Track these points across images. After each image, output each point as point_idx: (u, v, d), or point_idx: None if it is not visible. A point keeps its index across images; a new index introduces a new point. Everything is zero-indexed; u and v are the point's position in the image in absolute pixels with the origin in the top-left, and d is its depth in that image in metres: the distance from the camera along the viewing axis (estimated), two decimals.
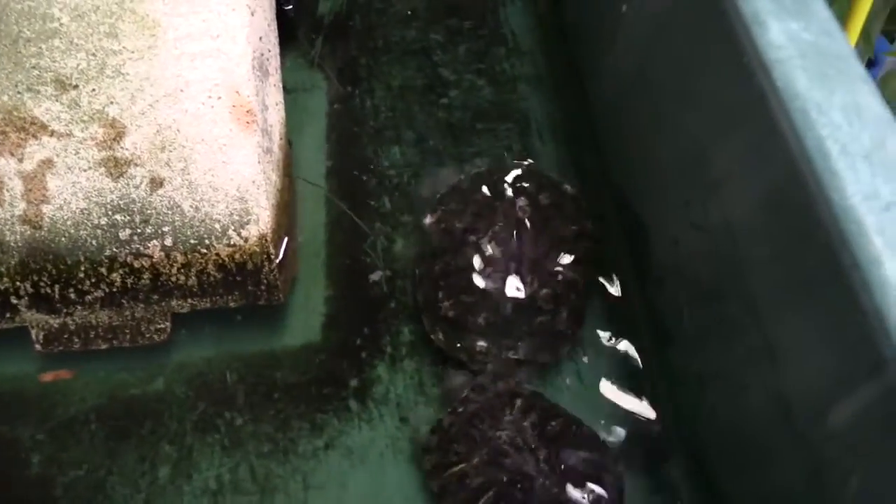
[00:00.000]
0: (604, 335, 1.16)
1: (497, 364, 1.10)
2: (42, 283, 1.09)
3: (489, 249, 1.14)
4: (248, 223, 1.09)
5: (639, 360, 1.13)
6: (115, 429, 1.11)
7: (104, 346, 1.14)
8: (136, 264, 1.09)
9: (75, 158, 1.10)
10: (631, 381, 1.12)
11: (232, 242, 1.09)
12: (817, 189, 0.71)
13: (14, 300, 1.10)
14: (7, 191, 1.08)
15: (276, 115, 1.22)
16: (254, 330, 1.18)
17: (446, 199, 1.24)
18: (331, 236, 1.27)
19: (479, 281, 1.12)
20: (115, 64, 1.13)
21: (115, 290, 1.11)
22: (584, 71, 1.41)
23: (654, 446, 1.07)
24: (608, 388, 1.12)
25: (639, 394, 1.11)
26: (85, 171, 1.09)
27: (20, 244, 1.07)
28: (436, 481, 1.02)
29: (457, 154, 1.35)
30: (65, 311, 1.12)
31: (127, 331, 1.14)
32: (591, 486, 0.99)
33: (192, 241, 1.08)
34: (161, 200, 1.09)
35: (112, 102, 1.12)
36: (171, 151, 1.10)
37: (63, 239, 1.07)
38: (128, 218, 1.08)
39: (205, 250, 1.09)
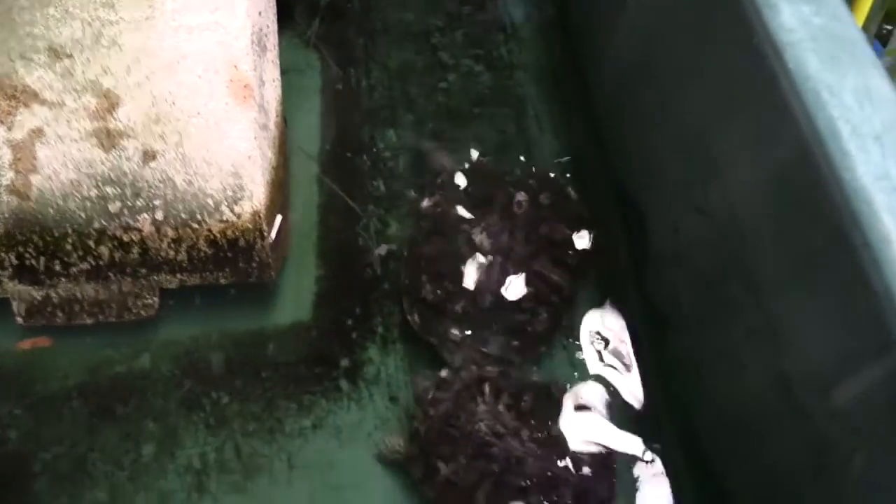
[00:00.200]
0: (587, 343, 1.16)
1: (466, 355, 1.08)
2: (27, 255, 1.07)
3: (480, 240, 1.13)
4: (241, 199, 1.07)
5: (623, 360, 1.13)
6: (98, 405, 1.09)
7: (89, 321, 1.11)
8: (125, 238, 1.07)
9: (66, 128, 1.08)
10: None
11: (224, 218, 1.07)
12: (828, 169, 0.71)
13: None
14: None
15: (272, 92, 1.21)
16: (243, 308, 1.16)
17: (447, 184, 1.23)
18: (324, 216, 1.26)
19: (464, 270, 1.11)
20: (111, 34, 1.11)
21: (102, 263, 1.09)
22: (584, 58, 1.40)
23: None
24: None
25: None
26: (76, 141, 1.07)
27: (6, 214, 1.05)
28: (429, 489, 1.00)
29: (454, 138, 1.34)
30: (49, 283, 1.10)
31: (113, 305, 1.12)
32: (581, 448, 1.00)
33: (183, 216, 1.06)
34: (153, 173, 1.07)
35: (107, 73, 1.10)
36: (165, 124, 1.08)
37: (51, 210, 1.05)
38: (118, 190, 1.06)
39: (196, 225, 1.07)
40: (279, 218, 1.15)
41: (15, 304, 1.10)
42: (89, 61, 1.10)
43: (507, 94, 1.41)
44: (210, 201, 1.07)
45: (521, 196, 1.17)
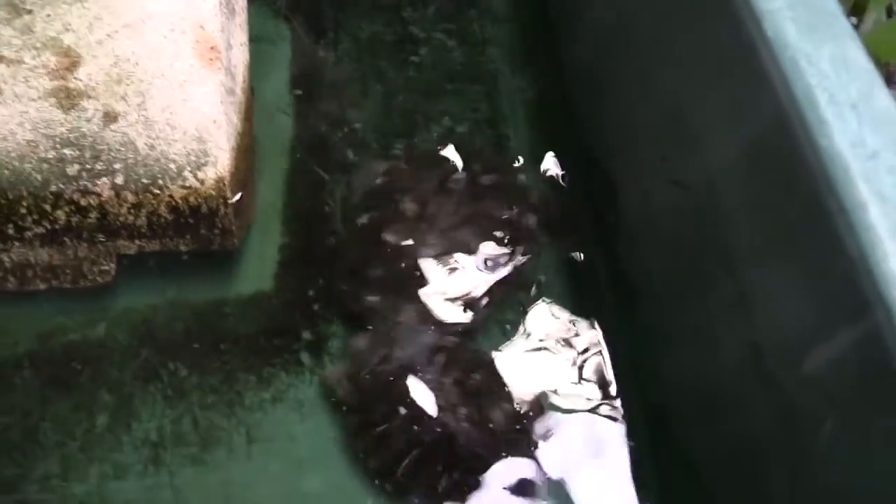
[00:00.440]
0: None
1: (380, 322, 1.07)
2: None
3: (405, 207, 1.13)
4: (205, 164, 1.04)
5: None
6: (50, 375, 1.05)
7: (42, 287, 1.08)
8: (83, 202, 1.03)
9: (24, 87, 1.04)
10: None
11: (187, 184, 1.04)
12: (805, 137, 0.71)
13: None
14: None
15: (240, 56, 1.18)
16: (204, 276, 1.13)
17: (406, 155, 1.24)
18: (290, 185, 1.23)
19: (386, 236, 1.11)
20: None
21: (58, 227, 1.05)
22: (559, 30, 1.40)
23: None
24: None
25: None
26: (34, 100, 1.04)
27: None
28: (360, 442, 1.00)
29: (424, 112, 1.33)
30: (1, 247, 1.05)
31: (68, 271, 1.08)
32: (519, 437, 1.00)
33: (144, 181, 1.03)
34: (114, 136, 1.03)
35: (68, 30, 1.06)
36: (127, 85, 1.05)
37: (6, 171, 1.01)
38: (77, 153, 1.03)
39: (157, 191, 1.04)
40: (244, 185, 1.13)
41: None
42: (50, 17, 1.07)
43: (479, 70, 1.40)
44: (173, 166, 1.04)
45: (459, 174, 1.17)
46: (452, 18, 1.46)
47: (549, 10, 1.45)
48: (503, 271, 1.13)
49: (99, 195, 1.03)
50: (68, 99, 1.05)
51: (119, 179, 1.03)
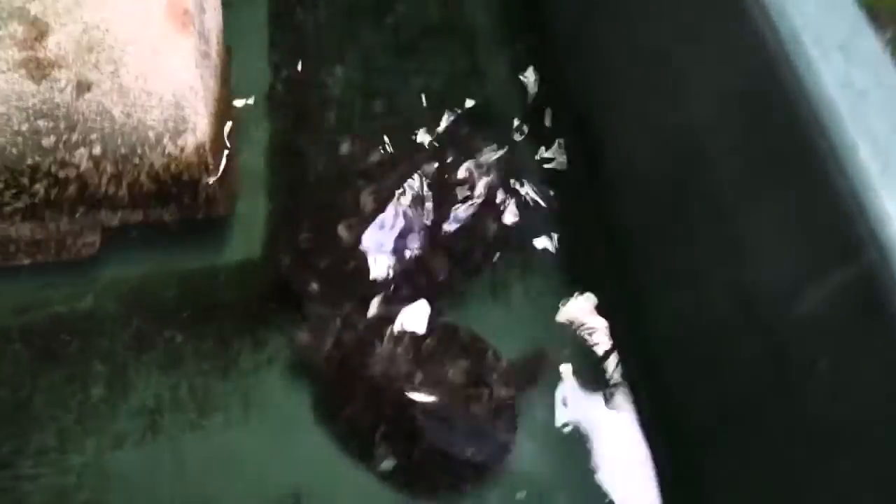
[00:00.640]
0: None
1: (321, 312, 1.06)
2: None
3: (364, 202, 1.09)
4: (184, 131, 1.03)
5: None
6: (40, 348, 1.05)
7: (26, 261, 1.07)
8: (62, 174, 1.02)
9: None
10: None
11: (167, 152, 1.03)
12: (792, 79, 0.71)
13: None
14: None
15: (213, 19, 1.16)
16: (192, 245, 1.12)
17: (375, 135, 1.20)
18: (272, 151, 1.22)
19: (339, 228, 1.07)
20: None
21: (37, 201, 1.03)
22: None
23: None
24: None
25: None
26: (3, 73, 1.01)
27: None
28: (336, 425, 1.01)
29: (403, 71, 1.31)
30: None
31: (51, 245, 1.07)
32: (478, 390, 1.00)
33: (122, 151, 1.02)
34: (88, 106, 1.01)
35: None
36: (99, 53, 1.03)
37: None
38: (52, 124, 1.01)
39: (137, 160, 1.02)
40: (226, 151, 1.11)
41: None
42: None
43: (456, 26, 1.38)
44: (151, 134, 1.02)
45: (429, 167, 1.12)
46: None
47: None
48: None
49: (77, 167, 1.01)
50: (39, 69, 1.02)
51: (97, 150, 1.01)
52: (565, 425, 1.04)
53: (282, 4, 1.38)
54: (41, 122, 1.01)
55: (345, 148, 1.19)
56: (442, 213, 1.10)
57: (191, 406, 1.02)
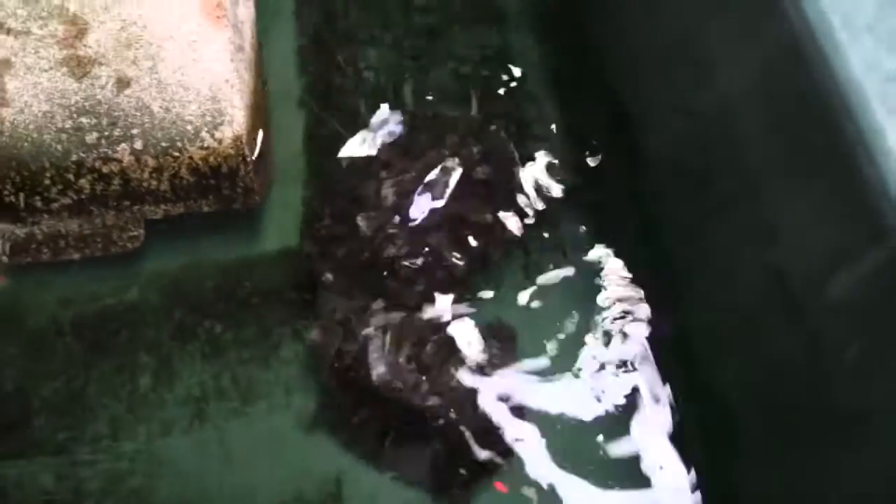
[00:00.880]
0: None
1: (334, 302, 1.07)
2: (6, 192, 1.05)
3: (385, 193, 1.10)
4: (221, 124, 1.05)
5: None
6: (90, 340, 1.09)
7: (76, 256, 1.10)
8: (105, 169, 1.05)
9: (35, 58, 1.05)
10: None
11: (205, 144, 1.05)
12: (820, 61, 0.70)
13: None
14: None
15: (246, 12, 1.17)
16: (230, 235, 1.15)
17: (406, 129, 1.20)
18: (306, 139, 1.24)
19: (358, 219, 1.08)
20: None
21: (83, 196, 1.07)
22: None
23: None
24: None
25: None
26: (46, 71, 1.04)
27: None
28: (344, 434, 1.02)
29: (432, 54, 1.31)
30: (31, 220, 1.08)
31: (98, 239, 1.10)
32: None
33: (163, 144, 1.04)
34: (129, 101, 1.04)
35: None
36: (137, 49, 1.06)
37: (26, 144, 1.03)
38: (94, 120, 1.03)
39: (177, 153, 1.05)
40: (261, 141, 1.13)
41: (0, 243, 1.09)
42: None
43: (487, 8, 1.37)
44: (189, 128, 1.04)
45: (450, 163, 1.12)
46: None
47: None
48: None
49: (120, 161, 1.04)
50: (80, 67, 1.05)
51: (138, 144, 1.04)
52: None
53: None
54: (84, 119, 1.04)
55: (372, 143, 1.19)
56: (462, 209, 1.10)
57: (234, 394, 1.05)
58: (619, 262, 1.13)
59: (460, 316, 1.08)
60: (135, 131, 1.04)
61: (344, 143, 1.22)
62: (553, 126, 1.25)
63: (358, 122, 1.24)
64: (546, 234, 1.16)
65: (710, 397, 0.98)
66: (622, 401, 1.05)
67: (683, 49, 0.95)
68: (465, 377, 1.02)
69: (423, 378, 1.00)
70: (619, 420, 1.05)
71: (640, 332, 1.08)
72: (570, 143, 1.23)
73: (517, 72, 1.30)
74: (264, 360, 1.07)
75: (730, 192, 0.88)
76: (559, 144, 1.23)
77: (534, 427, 1.03)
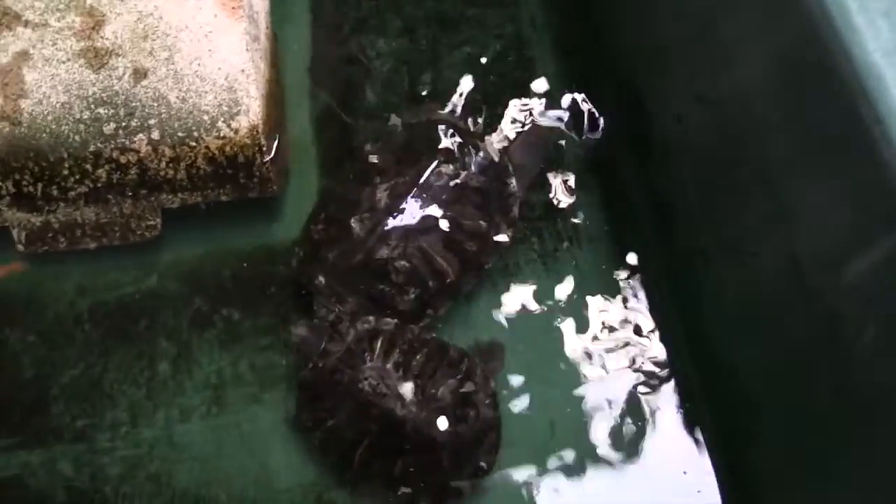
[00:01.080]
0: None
1: (327, 305, 1.06)
2: (24, 182, 1.05)
3: (380, 196, 1.08)
4: (237, 114, 1.06)
5: None
6: (109, 327, 1.10)
7: (92, 245, 1.11)
8: (123, 159, 1.05)
9: (53, 49, 1.05)
10: None
11: (222, 134, 1.06)
12: (837, 46, 0.71)
13: None
14: None
15: (261, 2, 1.18)
16: (247, 224, 1.16)
17: (395, 134, 1.19)
18: (321, 129, 1.24)
19: (352, 222, 1.07)
20: None
21: (100, 186, 1.07)
22: None
23: None
24: None
25: None
26: (64, 62, 1.05)
27: None
28: (315, 436, 1.01)
29: (446, 43, 1.32)
30: (47, 209, 1.09)
31: (116, 228, 1.11)
32: (465, 410, 0.99)
33: (180, 134, 1.05)
34: (146, 92, 1.05)
35: None
36: (153, 40, 1.06)
37: (44, 135, 1.03)
38: (111, 111, 1.04)
39: (194, 143, 1.05)
40: (277, 132, 1.14)
41: (15, 232, 1.09)
42: None
43: None
44: (206, 118, 1.05)
45: (445, 168, 1.10)
46: None
47: None
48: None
49: (137, 151, 1.05)
50: (97, 58, 1.06)
51: (155, 135, 1.05)
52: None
53: None
54: (101, 110, 1.04)
55: (367, 147, 1.18)
56: (455, 214, 1.09)
57: (252, 380, 1.07)
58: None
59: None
60: (152, 121, 1.04)
61: (355, 132, 1.24)
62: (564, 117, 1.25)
63: (369, 112, 1.26)
64: (545, 240, 1.18)
65: (728, 381, 0.99)
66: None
67: (701, 36, 0.95)
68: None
69: (409, 387, 0.98)
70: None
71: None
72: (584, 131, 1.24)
73: (530, 59, 1.31)
74: (281, 347, 1.08)
75: (746, 178, 0.88)
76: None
77: None
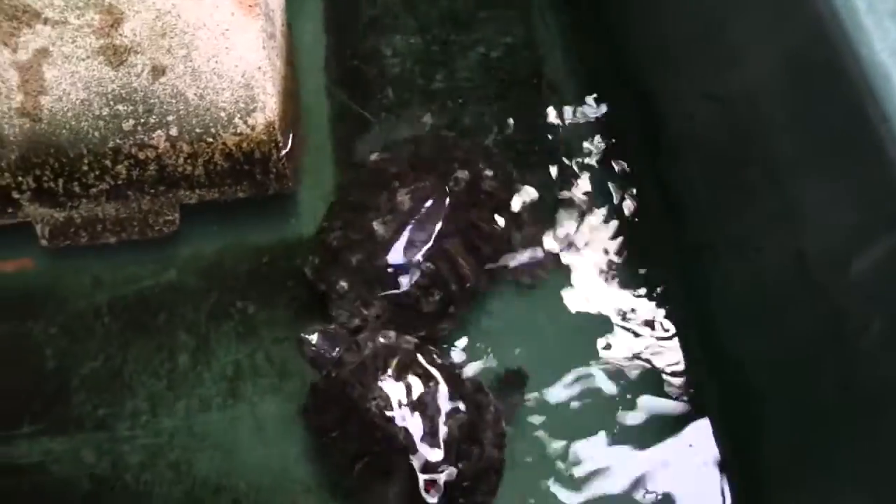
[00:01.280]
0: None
1: (349, 310, 1.07)
2: (45, 178, 1.08)
3: (401, 200, 1.09)
4: (254, 111, 1.07)
5: None
6: (129, 320, 1.12)
7: (112, 240, 1.13)
8: (141, 155, 1.07)
9: (72, 47, 1.07)
10: None
11: (238, 131, 1.08)
12: (845, 46, 0.72)
13: (16, 195, 1.09)
14: (2, 82, 1.06)
15: (277, 0, 1.20)
16: (264, 220, 1.18)
17: (401, 144, 1.21)
18: (335, 125, 1.26)
19: (374, 224, 1.08)
20: None
21: (120, 182, 1.09)
22: None
23: None
24: None
25: None
26: (83, 60, 1.07)
27: (20, 137, 1.05)
28: (320, 440, 1.03)
29: (459, 42, 1.33)
30: (69, 204, 1.11)
31: (135, 223, 1.13)
32: (470, 448, 0.98)
33: (197, 131, 1.07)
34: (164, 89, 1.07)
35: None
36: (171, 38, 1.08)
37: (64, 131, 1.06)
38: (130, 108, 1.06)
39: (211, 139, 1.07)
40: (292, 128, 1.16)
41: (38, 227, 1.12)
42: None
43: None
44: (223, 114, 1.07)
45: (461, 174, 1.12)
46: None
47: None
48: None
49: (156, 148, 1.07)
50: (116, 56, 1.08)
51: (173, 131, 1.07)
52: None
53: None
54: (120, 107, 1.06)
55: (374, 157, 1.19)
56: (473, 217, 1.11)
57: (269, 372, 1.09)
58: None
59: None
60: (170, 118, 1.06)
61: (371, 128, 1.25)
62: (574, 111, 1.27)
63: (384, 109, 1.27)
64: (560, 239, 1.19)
65: (736, 375, 1.01)
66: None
67: (712, 34, 0.97)
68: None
69: (416, 417, 0.96)
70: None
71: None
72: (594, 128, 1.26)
73: (541, 57, 1.32)
74: (307, 328, 1.06)
75: (754, 176, 0.90)
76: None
77: None
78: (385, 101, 1.29)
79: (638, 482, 1.03)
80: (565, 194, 1.20)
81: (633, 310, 1.12)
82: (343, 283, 1.07)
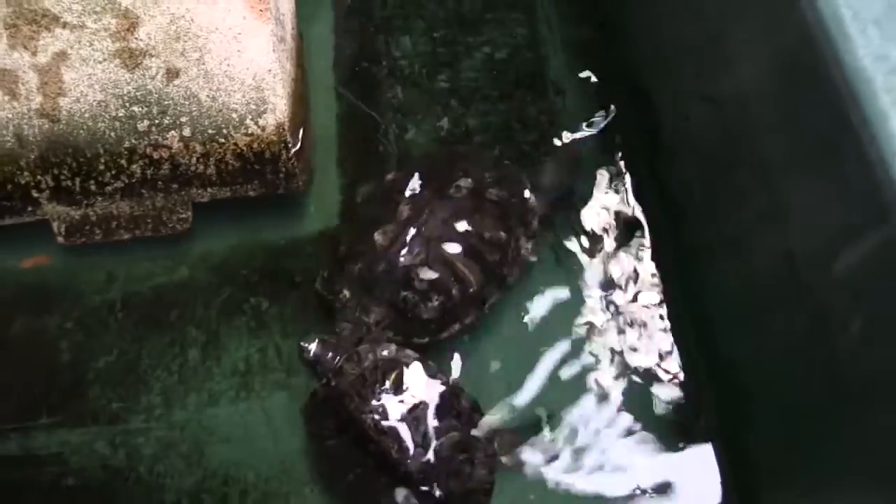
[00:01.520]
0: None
1: (350, 318, 1.07)
2: (63, 176, 1.11)
3: (402, 209, 1.11)
4: (264, 112, 1.10)
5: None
6: (142, 316, 1.15)
7: (126, 237, 1.16)
8: (156, 155, 1.11)
9: (90, 50, 1.10)
10: None
11: (249, 132, 1.10)
12: (830, 52, 0.74)
13: (35, 193, 1.12)
14: (22, 84, 1.09)
15: (287, 4, 1.22)
16: (274, 218, 1.21)
17: (415, 161, 1.23)
18: (344, 126, 1.29)
19: (375, 235, 1.09)
20: None
21: (135, 180, 1.13)
22: None
23: None
24: None
25: None
26: (100, 62, 1.10)
27: (39, 138, 1.09)
28: (319, 445, 1.04)
29: (465, 43, 1.35)
30: (86, 202, 1.14)
31: (149, 221, 1.16)
32: (461, 466, 0.98)
33: (210, 131, 1.10)
34: (178, 91, 1.10)
35: None
36: (185, 41, 1.11)
37: (82, 132, 1.09)
38: (145, 109, 1.09)
39: (223, 140, 1.10)
40: (302, 129, 1.18)
41: (55, 225, 1.15)
42: None
43: None
44: (235, 116, 1.10)
45: (464, 182, 1.13)
46: None
47: None
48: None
49: (169, 148, 1.10)
50: (132, 59, 1.10)
51: (186, 132, 1.10)
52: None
53: None
54: (136, 108, 1.09)
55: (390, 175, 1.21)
56: (474, 224, 1.11)
57: (278, 366, 1.11)
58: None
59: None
60: (184, 119, 1.09)
61: (379, 128, 1.28)
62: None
63: (393, 110, 1.30)
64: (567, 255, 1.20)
65: (728, 373, 1.03)
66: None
67: (709, 39, 0.99)
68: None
69: (409, 435, 0.97)
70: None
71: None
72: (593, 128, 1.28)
73: (545, 59, 1.34)
74: (307, 335, 1.09)
75: (746, 177, 0.92)
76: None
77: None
78: (394, 101, 1.31)
79: (633, 483, 1.05)
80: (568, 196, 1.22)
81: (632, 311, 1.14)
82: (346, 292, 1.09)
